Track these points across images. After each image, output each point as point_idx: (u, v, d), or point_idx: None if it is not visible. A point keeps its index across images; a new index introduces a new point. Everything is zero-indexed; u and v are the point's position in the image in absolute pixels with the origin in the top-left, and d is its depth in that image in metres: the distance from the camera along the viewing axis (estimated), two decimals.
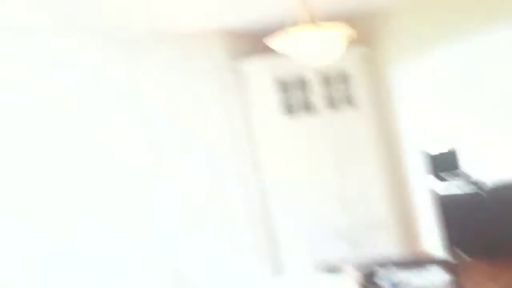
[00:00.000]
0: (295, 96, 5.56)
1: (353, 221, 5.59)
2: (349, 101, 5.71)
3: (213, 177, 5.31)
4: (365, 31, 5.90)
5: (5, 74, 3.98)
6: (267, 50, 3.50)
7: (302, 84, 5.57)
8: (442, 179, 9.33)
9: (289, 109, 5.57)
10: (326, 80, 5.64)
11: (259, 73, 5.50)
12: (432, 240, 5.92)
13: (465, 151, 9.45)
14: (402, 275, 3.67)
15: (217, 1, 4.55)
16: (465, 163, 9.45)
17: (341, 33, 3.31)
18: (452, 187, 7.69)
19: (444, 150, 9.69)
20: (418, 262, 4.08)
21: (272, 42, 3.34)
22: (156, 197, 4.83)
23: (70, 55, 4.41)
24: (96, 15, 4.20)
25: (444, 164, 9.38)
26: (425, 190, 5.94)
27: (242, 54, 5.65)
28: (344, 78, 5.70)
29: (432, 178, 8.94)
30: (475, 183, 8.93)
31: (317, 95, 5.57)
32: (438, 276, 3.60)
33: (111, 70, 4.70)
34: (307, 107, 5.58)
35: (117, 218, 4.49)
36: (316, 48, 3.28)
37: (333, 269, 4.13)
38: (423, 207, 5.95)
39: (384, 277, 3.71)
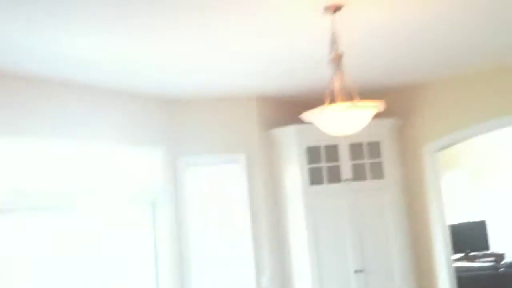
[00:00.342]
0: (324, 165, 5.57)
1: None
2: (378, 172, 5.70)
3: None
4: (398, 103, 5.97)
5: None
6: (299, 118, 3.55)
7: (332, 153, 5.58)
8: (465, 251, 9.26)
9: (318, 178, 5.56)
10: (357, 150, 5.65)
11: (291, 141, 5.55)
12: None
13: (492, 223, 9.41)
14: None
15: (255, 70, 4.65)
16: (490, 236, 9.38)
17: (374, 111, 3.34)
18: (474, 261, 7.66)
19: (471, 222, 9.64)
20: None
21: (307, 116, 3.39)
22: None
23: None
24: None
25: (469, 237, 9.31)
26: (448, 266, 5.80)
27: (275, 121, 5.74)
28: (374, 148, 5.70)
29: (455, 252, 8.90)
30: (495, 257, 8.87)
31: (346, 164, 5.57)
32: None
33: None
34: (336, 176, 5.57)
35: None
36: (347, 124, 3.32)
37: None
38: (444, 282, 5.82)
39: None
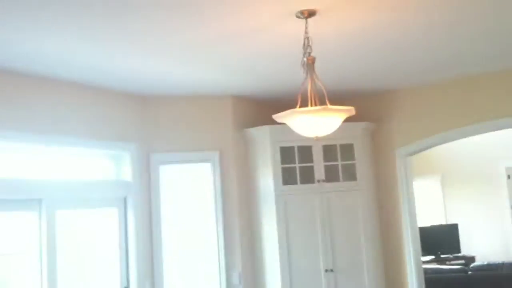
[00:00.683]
0: (297, 165, 5.63)
1: None
2: (351, 174, 5.77)
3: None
4: (371, 107, 6.05)
5: None
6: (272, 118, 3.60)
7: (306, 154, 5.64)
8: (436, 254, 9.41)
9: (291, 179, 5.62)
10: (330, 152, 5.71)
11: (265, 140, 5.60)
12: None
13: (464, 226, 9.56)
14: None
15: (230, 71, 4.70)
16: (462, 239, 9.54)
17: (345, 115, 3.40)
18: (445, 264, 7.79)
19: (443, 224, 9.80)
20: None
21: (278, 117, 3.44)
22: None
23: None
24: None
25: (441, 239, 9.46)
26: (417, 268, 5.90)
27: (249, 120, 5.79)
28: (347, 151, 5.78)
29: (426, 254, 9.04)
30: (465, 260, 9.04)
31: (319, 165, 5.64)
32: None
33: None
34: (309, 177, 5.64)
35: None
36: (318, 127, 3.38)
37: None
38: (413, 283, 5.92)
39: None
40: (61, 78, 4.51)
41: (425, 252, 8.53)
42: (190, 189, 5.54)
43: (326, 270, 5.51)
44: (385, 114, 6.02)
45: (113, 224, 5.07)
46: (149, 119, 5.41)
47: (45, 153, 4.57)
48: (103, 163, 5.13)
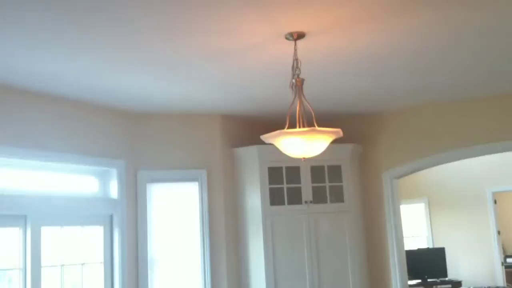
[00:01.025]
0: (285, 186, 5.63)
1: None
2: (338, 195, 5.78)
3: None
4: (359, 129, 6.09)
5: None
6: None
7: (293, 174, 5.65)
8: (423, 278, 9.40)
9: (279, 199, 5.62)
10: (318, 173, 5.72)
11: (253, 160, 5.61)
12: None
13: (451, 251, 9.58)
14: None
15: (219, 90, 4.72)
16: (449, 263, 9.55)
17: (332, 137, 3.42)
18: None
19: (430, 248, 9.81)
20: None
21: (266, 138, 3.45)
22: None
23: None
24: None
25: (428, 263, 9.46)
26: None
27: (238, 139, 5.80)
28: (335, 172, 5.79)
29: (413, 278, 9.03)
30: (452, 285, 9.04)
31: (307, 187, 5.64)
32: None
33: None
34: (296, 198, 5.64)
35: None
36: (305, 148, 3.40)
37: None
38: None
39: None
40: (49, 94, 4.50)
41: (412, 275, 8.51)
42: (177, 207, 5.52)
43: None
44: (372, 137, 6.05)
45: (98, 241, 5.03)
46: (137, 136, 5.40)
47: (30, 169, 4.55)
48: (90, 180, 5.11)
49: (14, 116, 4.29)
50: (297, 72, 3.45)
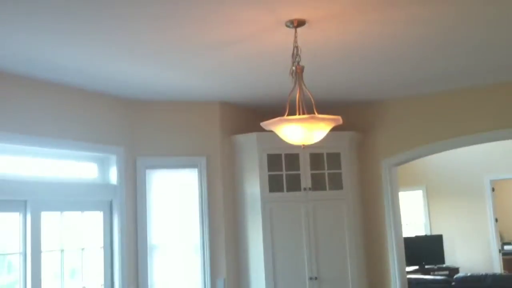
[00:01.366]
0: (284, 173, 5.65)
1: None
2: (337, 183, 5.80)
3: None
4: (359, 117, 6.10)
5: None
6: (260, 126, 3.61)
7: (292, 161, 5.67)
8: (420, 264, 9.46)
9: (278, 186, 5.64)
10: (317, 160, 5.74)
11: (252, 147, 5.62)
12: None
13: (449, 238, 9.63)
14: None
15: (218, 77, 4.71)
16: (446, 250, 9.60)
17: (332, 124, 3.43)
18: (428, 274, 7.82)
19: (428, 235, 9.86)
20: None
21: (266, 125, 3.46)
22: None
23: None
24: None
25: (425, 250, 9.52)
26: (401, 277, 5.94)
27: (237, 126, 5.80)
28: (334, 160, 5.81)
29: (411, 264, 9.09)
30: (449, 271, 9.10)
31: (306, 174, 5.66)
32: None
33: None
34: (295, 185, 5.66)
35: None
36: (305, 135, 3.40)
37: None
38: None
39: None
40: (48, 81, 4.50)
41: (410, 262, 8.56)
42: (176, 194, 5.54)
43: (311, 278, 5.53)
44: (372, 124, 6.06)
45: (98, 227, 5.06)
46: (137, 123, 5.41)
47: (30, 155, 4.56)
48: (90, 166, 5.12)
49: (13, 102, 4.28)
50: (297, 59, 3.44)
